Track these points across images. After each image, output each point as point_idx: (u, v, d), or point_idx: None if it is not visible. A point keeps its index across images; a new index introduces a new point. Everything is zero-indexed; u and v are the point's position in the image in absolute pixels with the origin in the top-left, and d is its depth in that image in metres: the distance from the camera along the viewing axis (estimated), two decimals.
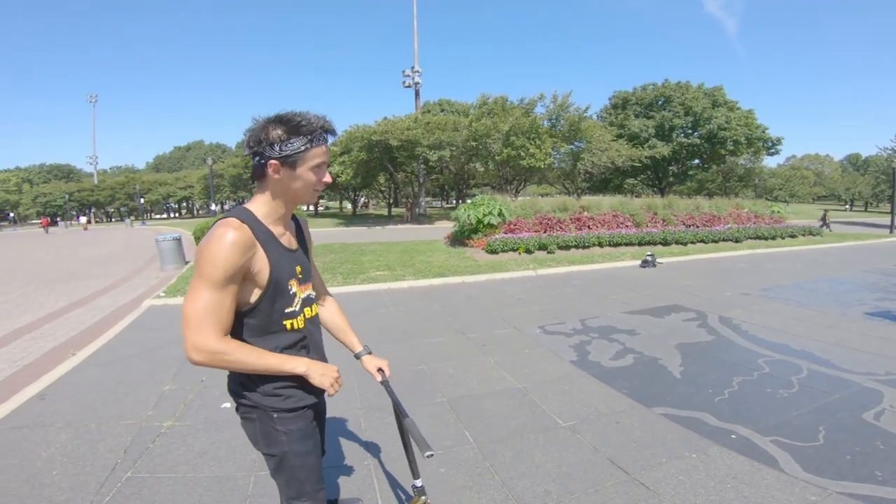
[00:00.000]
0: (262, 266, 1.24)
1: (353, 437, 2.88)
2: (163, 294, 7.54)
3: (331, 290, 7.87)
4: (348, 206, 49.20)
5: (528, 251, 11.13)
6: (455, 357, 4.35)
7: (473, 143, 26.96)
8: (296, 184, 1.27)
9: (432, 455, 1.34)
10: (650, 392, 3.44)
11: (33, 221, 65.29)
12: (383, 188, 43.11)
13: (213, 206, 35.74)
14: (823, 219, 22.03)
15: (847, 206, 65.14)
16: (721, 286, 7.57)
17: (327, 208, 58.91)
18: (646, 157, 33.73)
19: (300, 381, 1.35)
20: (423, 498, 1.71)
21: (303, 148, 1.22)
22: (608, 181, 40.36)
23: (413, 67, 33.48)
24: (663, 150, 35.24)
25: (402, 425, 1.60)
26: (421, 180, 32.31)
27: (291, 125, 1.22)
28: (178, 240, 10.99)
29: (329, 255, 11.67)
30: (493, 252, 11.04)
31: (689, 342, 4.64)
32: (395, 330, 5.30)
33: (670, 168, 39.59)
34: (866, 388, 3.44)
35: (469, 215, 12.42)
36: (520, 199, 20.32)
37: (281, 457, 1.36)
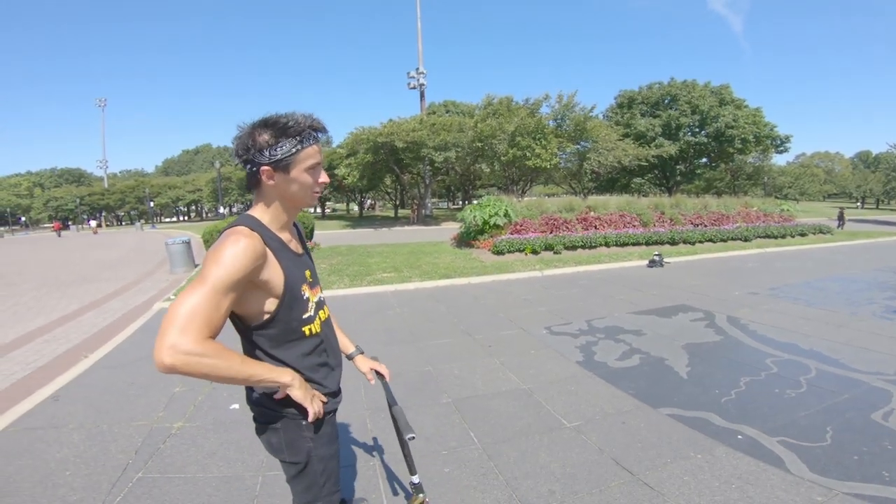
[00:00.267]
0: (274, 274, 1.19)
1: (358, 437, 2.91)
2: (172, 297, 7.63)
3: (338, 291, 7.88)
4: (355, 207, 49.40)
5: (535, 252, 11.12)
6: (461, 358, 4.37)
7: (479, 144, 26.99)
8: (293, 187, 1.22)
9: (414, 437, 1.34)
10: (656, 392, 3.44)
11: (45, 225, 66.20)
12: (389, 190, 43.21)
13: (221, 209, 36.08)
14: (840, 217, 21.59)
15: (858, 204, 64.26)
16: (729, 286, 7.52)
17: (334, 210, 59.15)
18: (653, 157, 33.59)
19: (328, 386, 1.35)
20: (421, 495, 1.73)
21: (293, 150, 1.18)
22: (615, 181, 40.21)
23: (417, 69, 33.59)
24: (670, 148, 35.06)
25: (394, 416, 1.62)
26: (427, 182, 32.37)
27: (278, 127, 1.17)
28: (188, 243, 11.10)
29: (336, 258, 11.73)
30: (500, 253, 11.05)
31: (697, 342, 4.63)
32: (402, 331, 5.33)
33: (678, 167, 39.37)
34: (875, 387, 3.41)
35: (475, 216, 12.43)
36: (526, 199, 20.30)
37: (305, 463, 1.33)
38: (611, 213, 13.81)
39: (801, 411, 3.06)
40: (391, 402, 1.53)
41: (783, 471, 2.38)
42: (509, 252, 11.05)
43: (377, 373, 1.64)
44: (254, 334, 1.23)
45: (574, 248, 11.65)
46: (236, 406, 3.35)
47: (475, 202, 14.15)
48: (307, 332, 1.30)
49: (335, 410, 1.42)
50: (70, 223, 57.64)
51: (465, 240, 12.90)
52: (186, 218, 71.94)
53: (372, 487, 2.40)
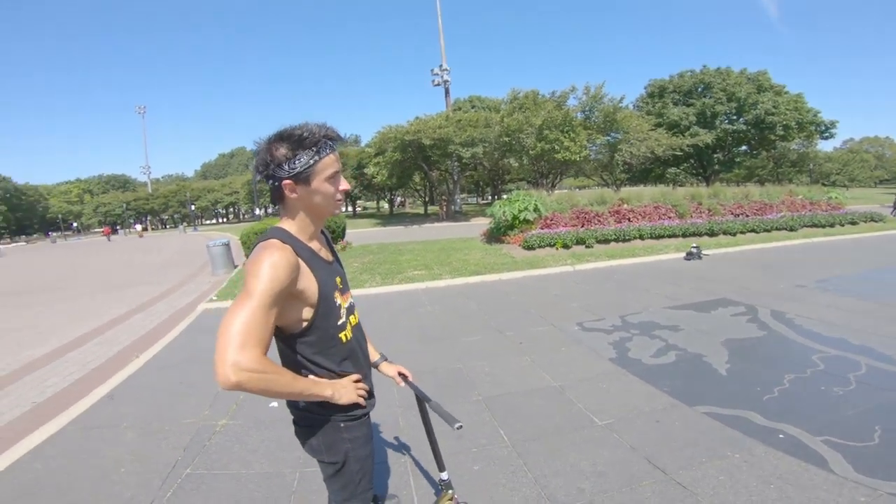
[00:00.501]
0: (309, 284, 1.23)
1: (391, 435, 2.97)
2: (215, 298, 7.96)
3: (370, 290, 8.02)
4: (385, 205, 49.98)
5: (566, 246, 10.97)
6: (492, 355, 4.38)
7: (506, 139, 26.77)
8: (315, 198, 1.24)
9: (461, 427, 1.37)
10: (693, 390, 3.36)
11: (95, 230, 70.18)
12: (418, 187, 43.49)
13: (257, 211, 37.26)
14: None
15: None
16: (774, 278, 7.20)
17: (364, 208, 60.07)
18: (688, 146, 32.49)
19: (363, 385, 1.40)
20: (450, 492, 1.76)
21: (311, 161, 1.19)
22: (649, 171, 39.13)
23: (441, 66, 33.55)
24: (706, 137, 33.84)
25: (427, 415, 1.65)
26: (455, 178, 32.38)
27: (294, 140, 1.18)
28: (227, 245, 11.54)
29: (367, 256, 11.92)
30: (530, 248, 10.95)
31: (738, 338, 4.47)
32: (433, 329, 5.39)
33: (715, 155, 37.93)
34: None
35: (504, 212, 12.35)
36: (556, 193, 20.00)
37: (343, 463, 1.37)
38: (644, 204, 13.43)
39: (848, 410, 2.92)
40: (425, 399, 1.56)
41: (826, 471, 2.28)
42: (540, 247, 10.93)
43: (402, 374, 1.68)
44: (296, 343, 1.28)
45: (606, 241, 11.41)
46: (275, 404, 3.47)
47: (504, 197, 14.05)
48: (343, 339, 1.34)
49: (369, 413, 1.47)
50: (118, 227, 60.76)
51: (495, 235, 12.85)
52: (225, 220, 74.67)
53: (403, 484, 2.45)
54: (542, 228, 11.74)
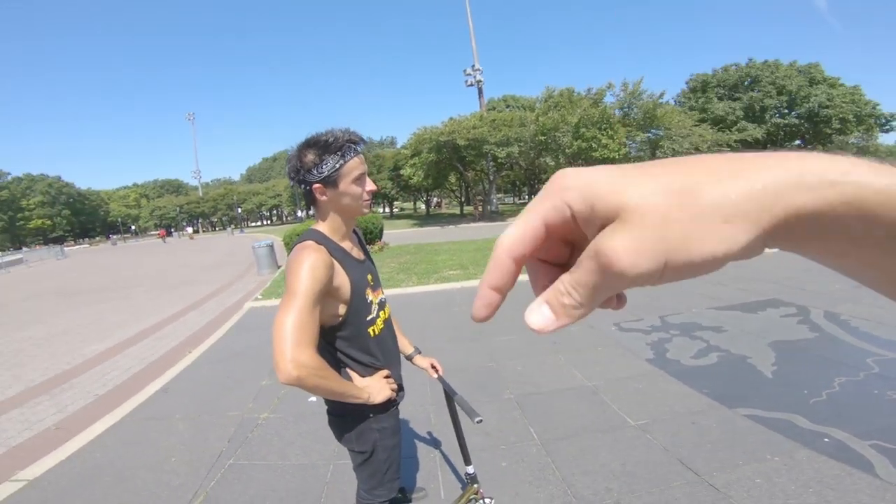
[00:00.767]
0: (342, 281, 1.31)
1: (422, 430, 3.05)
2: (260, 297, 8.34)
3: (406, 289, 8.15)
4: (422, 206, 50.44)
5: None
6: (525, 354, 4.39)
7: (542, 138, 26.46)
8: (344, 200, 1.32)
9: (482, 421, 1.42)
10: (734, 392, 3.25)
11: (152, 233, 74.40)
12: (454, 188, 43.67)
13: (299, 213, 38.47)
14: None
15: None
16: (829, 277, 6.77)
17: (402, 209, 60.81)
18: (735, 141, 31.06)
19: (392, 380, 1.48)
20: (475, 486, 1.80)
21: (337, 165, 1.26)
22: None
23: (473, 66, 33.56)
24: (755, 132, 32.33)
25: (454, 409, 1.70)
26: (491, 178, 32.29)
27: (320, 146, 1.27)
28: (271, 246, 12.03)
29: (404, 256, 12.11)
30: None
31: (786, 339, 4.28)
32: (467, 328, 5.44)
33: (766, 150, 36.22)
34: None
35: None
36: None
37: (371, 452, 1.46)
38: None
39: None
40: (452, 393, 1.63)
41: (871, 475, 2.18)
42: None
43: (434, 367, 1.75)
44: (331, 337, 1.37)
45: None
46: (313, 399, 3.61)
47: None
48: (372, 333, 1.42)
49: (397, 405, 1.55)
50: (173, 230, 64.21)
51: None
52: (269, 222, 77.43)
53: (431, 478, 2.52)
54: None
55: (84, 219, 78.62)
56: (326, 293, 1.27)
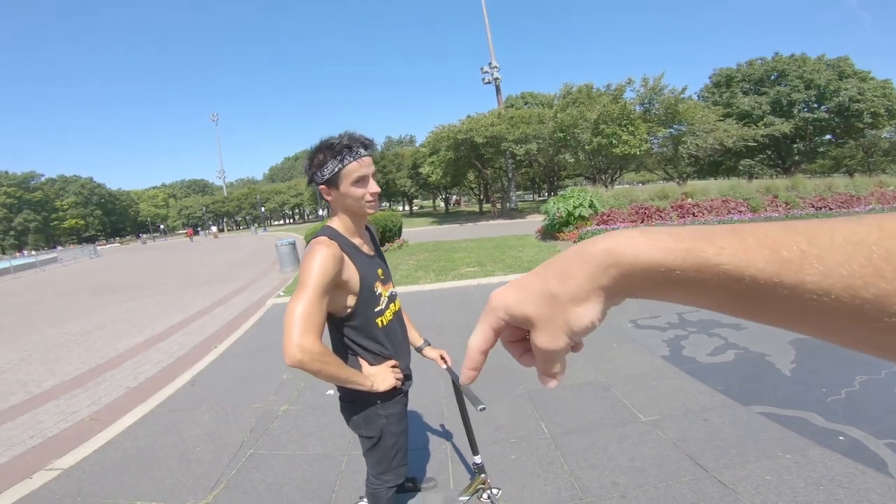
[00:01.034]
0: (351, 274, 1.40)
1: (435, 423, 3.12)
2: (282, 294, 8.57)
3: (424, 286, 8.24)
4: (441, 204, 50.55)
5: None
6: None
7: (560, 135, 26.17)
8: (346, 200, 1.40)
9: (485, 408, 1.50)
10: (749, 389, 3.23)
11: (179, 232, 76.47)
12: (473, 185, 43.65)
13: (320, 212, 39.04)
14: None
15: None
16: None
17: (421, 207, 61.07)
18: (762, 136, 30.11)
19: (399, 370, 1.56)
20: (482, 475, 1.86)
21: (337, 168, 1.34)
22: (718, 164, 36.79)
23: (490, 63, 33.39)
24: (783, 126, 31.29)
25: (462, 398, 1.77)
26: (510, 175, 32.14)
27: (324, 149, 1.36)
28: (293, 244, 12.29)
29: (423, 254, 12.21)
30: None
31: (808, 337, 4.18)
32: None
33: (795, 146, 34.98)
34: None
35: (559, 208, 12.20)
36: (616, 188, 19.30)
37: (378, 437, 1.55)
38: (712, 198, 12.73)
39: None
40: (458, 382, 1.70)
41: (883, 474, 2.16)
42: None
43: (449, 370, 1.82)
44: (342, 327, 1.47)
45: None
46: (331, 392, 3.73)
47: (560, 193, 13.86)
48: (380, 324, 1.51)
49: (405, 393, 1.63)
50: (199, 229, 65.87)
51: (550, 232, 12.72)
52: (291, 220, 78.70)
53: (442, 469, 2.59)
54: (598, 225, 11.48)
55: (115, 218, 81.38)
56: (336, 285, 1.36)
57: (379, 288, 1.51)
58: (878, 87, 31.30)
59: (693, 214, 11.85)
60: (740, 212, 11.95)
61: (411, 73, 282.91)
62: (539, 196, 54.18)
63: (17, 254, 52.36)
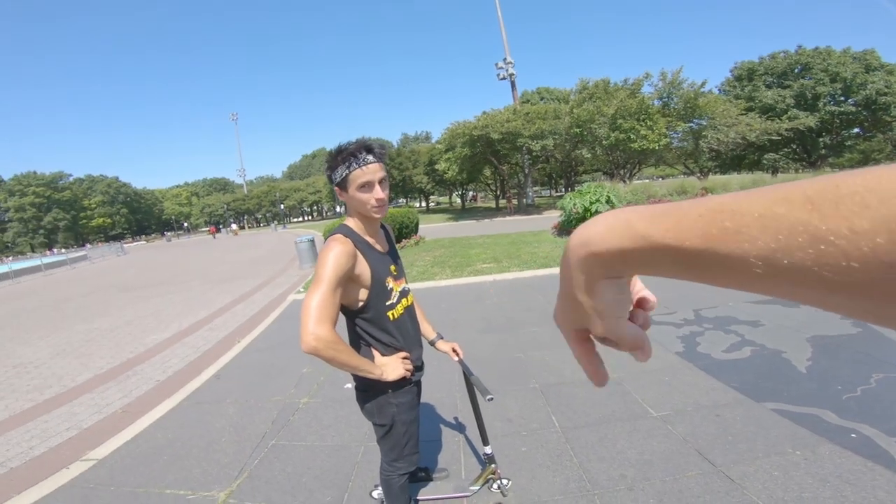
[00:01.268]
0: (364, 269, 1.49)
1: (449, 415, 3.21)
2: (302, 289, 8.77)
3: (440, 282, 8.34)
4: (457, 200, 50.57)
5: None
6: (552, 346, 4.46)
7: (577, 130, 25.95)
8: (354, 203, 1.49)
9: (492, 399, 1.57)
10: (764, 386, 3.22)
11: (202, 230, 78.09)
12: (489, 181, 43.54)
13: (338, 209, 39.45)
14: None
15: None
16: None
17: (438, 204, 61.15)
18: (786, 130, 29.35)
19: (409, 361, 1.65)
20: (492, 466, 1.94)
21: (344, 173, 1.44)
22: (741, 158, 36.01)
23: (505, 59, 33.19)
24: (807, 120, 30.49)
25: (473, 389, 1.84)
26: (526, 171, 31.99)
27: (336, 154, 1.46)
28: (312, 241, 12.52)
29: (439, 250, 12.30)
30: None
31: (827, 335, 4.14)
32: (498, 319, 5.56)
33: (821, 139, 34.04)
34: None
35: (575, 204, 12.14)
36: (634, 183, 19.03)
37: (390, 425, 1.65)
38: (733, 193, 12.50)
39: None
40: (469, 373, 1.78)
41: (892, 471, 2.16)
42: None
43: (461, 363, 1.90)
44: (357, 318, 1.57)
45: None
46: (349, 385, 3.85)
47: (577, 189, 13.78)
48: (391, 317, 1.60)
49: (416, 383, 1.72)
50: (221, 227, 67.20)
51: (566, 228, 12.68)
52: (310, 217, 79.64)
53: (454, 460, 2.68)
54: None
55: (140, 217, 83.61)
56: (349, 279, 1.47)
57: (391, 283, 1.60)
58: None
59: None
60: None
61: (426, 70, 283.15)
62: (556, 192, 53.77)
63: (47, 252, 54.29)
